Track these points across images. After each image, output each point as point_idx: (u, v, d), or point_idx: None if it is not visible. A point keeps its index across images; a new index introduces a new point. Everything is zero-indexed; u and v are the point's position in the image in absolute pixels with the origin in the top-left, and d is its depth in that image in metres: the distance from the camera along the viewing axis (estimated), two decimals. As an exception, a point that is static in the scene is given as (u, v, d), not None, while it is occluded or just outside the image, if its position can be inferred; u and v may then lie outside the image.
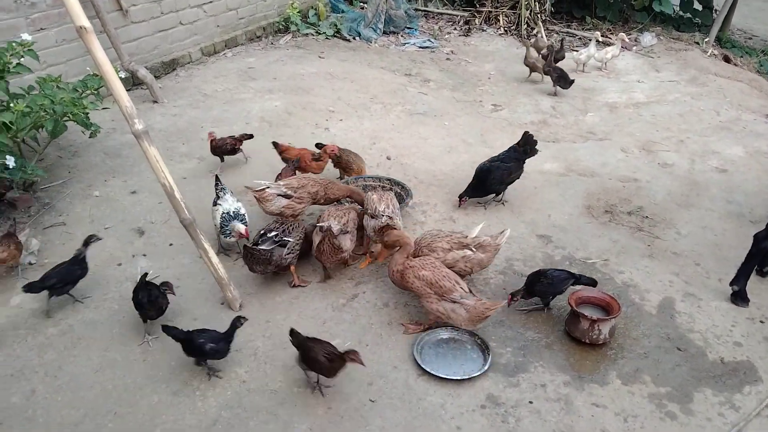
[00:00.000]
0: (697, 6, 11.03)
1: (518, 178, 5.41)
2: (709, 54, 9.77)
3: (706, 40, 10.09)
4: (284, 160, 5.48)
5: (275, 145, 5.57)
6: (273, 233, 4.24)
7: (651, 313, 4.25)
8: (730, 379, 3.74)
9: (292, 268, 4.33)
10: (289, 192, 4.66)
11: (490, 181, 5.23)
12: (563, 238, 5.02)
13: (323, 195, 4.78)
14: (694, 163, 6.40)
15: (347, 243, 4.32)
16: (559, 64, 8.28)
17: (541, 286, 4.09)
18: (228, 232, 4.41)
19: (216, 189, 4.68)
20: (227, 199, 4.57)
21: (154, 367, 3.68)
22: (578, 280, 4.16)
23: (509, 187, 5.46)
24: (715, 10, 10.93)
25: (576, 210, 5.45)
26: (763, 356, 3.92)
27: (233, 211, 4.48)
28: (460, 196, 5.30)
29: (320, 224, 4.33)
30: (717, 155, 6.59)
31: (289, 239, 4.25)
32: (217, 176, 4.84)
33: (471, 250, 4.19)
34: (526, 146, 5.41)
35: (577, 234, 5.10)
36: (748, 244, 4.41)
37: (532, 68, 8.44)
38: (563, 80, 7.91)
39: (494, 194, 5.42)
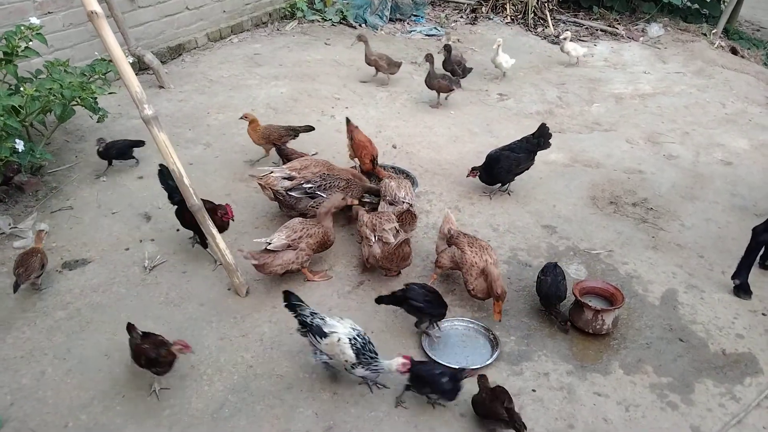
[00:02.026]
0: (705, -4, 10.98)
1: (528, 169, 5.39)
2: (716, 46, 9.72)
3: (713, 31, 10.03)
4: (351, 140, 5.40)
5: (348, 121, 5.46)
6: (309, 185, 4.54)
7: (654, 305, 4.28)
8: (731, 371, 3.78)
9: (304, 270, 4.31)
10: (292, 173, 4.74)
11: (497, 169, 5.24)
12: (568, 229, 5.05)
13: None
14: (699, 156, 6.40)
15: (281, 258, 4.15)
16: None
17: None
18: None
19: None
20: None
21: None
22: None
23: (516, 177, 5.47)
24: (724, 2, 10.86)
25: (581, 201, 5.46)
26: (764, 348, 3.95)
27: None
28: (474, 168, 5.30)
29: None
30: (722, 148, 6.59)
31: (321, 194, 4.53)
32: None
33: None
34: (540, 138, 5.35)
35: (581, 225, 5.12)
36: (751, 237, 4.44)
37: (376, 67, 7.50)
38: (454, 82, 7.10)
39: (500, 183, 5.43)
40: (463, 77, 7.54)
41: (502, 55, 7.91)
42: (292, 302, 3.56)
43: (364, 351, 3.36)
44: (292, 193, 4.58)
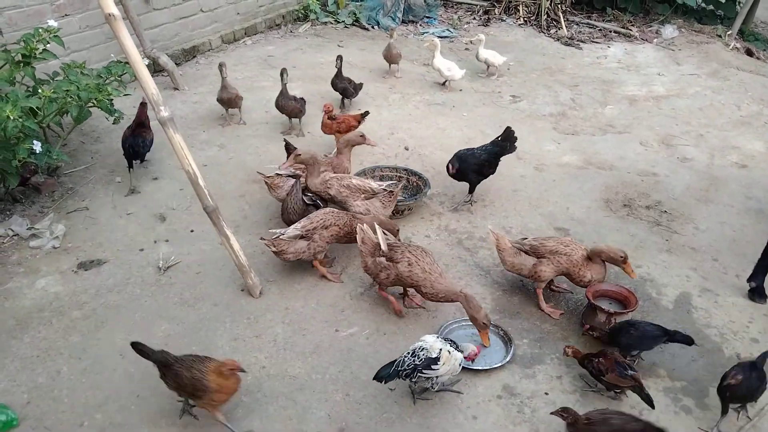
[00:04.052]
0: (721, -2, 10.90)
1: (492, 174, 5.25)
2: (731, 47, 9.65)
3: (728, 32, 9.96)
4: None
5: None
6: (308, 195, 4.58)
7: (668, 308, 4.26)
8: (746, 375, 3.75)
9: (315, 262, 4.37)
10: (297, 171, 4.79)
11: (466, 167, 5.08)
12: (581, 232, 5.03)
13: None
14: (713, 158, 6.36)
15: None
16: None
17: (628, 339, 3.67)
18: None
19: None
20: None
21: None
22: (672, 337, 3.67)
23: (527, 178, 5.44)
24: (739, 3, 10.78)
25: (594, 203, 5.45)
26: (779, 353, 3.92)
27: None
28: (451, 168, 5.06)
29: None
30: (737, 150, 6.54)
31: (320, 204, 4.63)
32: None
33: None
34: (506, 142, 5.26)
35: (595, 227, 5.10)
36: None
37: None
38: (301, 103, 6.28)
39: (469, 184, 5.24)
40: (354, 95, 6.91)
41: (442, 60, 7.43)
42: (390, 373, 3.28)
43: (457, 343, 3.46)
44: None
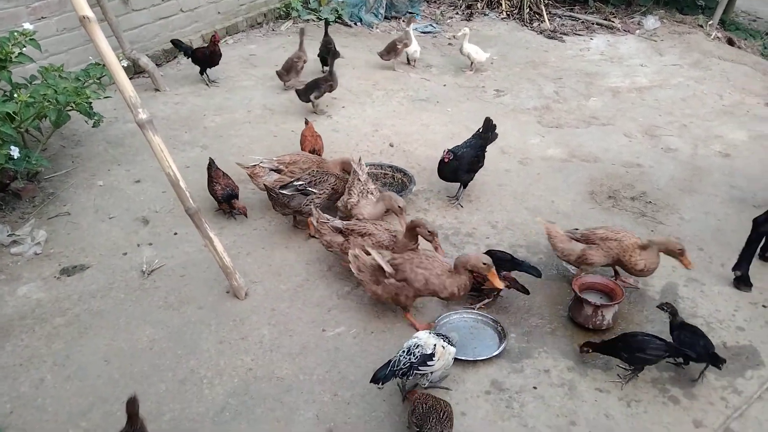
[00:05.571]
0: (701, -12, 10.94)
1: (482, 166, 5.29)
2: (712, 37, 9.69)
3: (710, 22, 10.00)
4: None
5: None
6: (299, 182, 4.62)
7: (654, 299, 4.27)
8: (733, 364, 3.76)
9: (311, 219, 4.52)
10: (280, 166, 4.82)
11: (462, 169, 5.09)
12: (567, 225, 5.02)
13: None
14: (697, 148, 6.38)
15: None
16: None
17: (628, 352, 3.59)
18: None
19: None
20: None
21: (160, 355, 3.71)
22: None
23: (512, 172, 5.43)
24: (719, -8, 10.83)
25: (579, 196, 5.45)
26: (765, 341, 3.94)
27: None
28: (450, 149, 5.06)
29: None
30: (720, 140, 6.57)
31: (313, 190, 4.62)
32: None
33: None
34: (488, 132, 5.30)
35: (580, 220, 5.10)
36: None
37: None
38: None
39: (460, 184, 5.26)
40: (335, 57, 6.90)
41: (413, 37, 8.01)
42: (386, 374, 3.24)
43: (449, 338, 3.44)
44: (284, 191, 4.59)
